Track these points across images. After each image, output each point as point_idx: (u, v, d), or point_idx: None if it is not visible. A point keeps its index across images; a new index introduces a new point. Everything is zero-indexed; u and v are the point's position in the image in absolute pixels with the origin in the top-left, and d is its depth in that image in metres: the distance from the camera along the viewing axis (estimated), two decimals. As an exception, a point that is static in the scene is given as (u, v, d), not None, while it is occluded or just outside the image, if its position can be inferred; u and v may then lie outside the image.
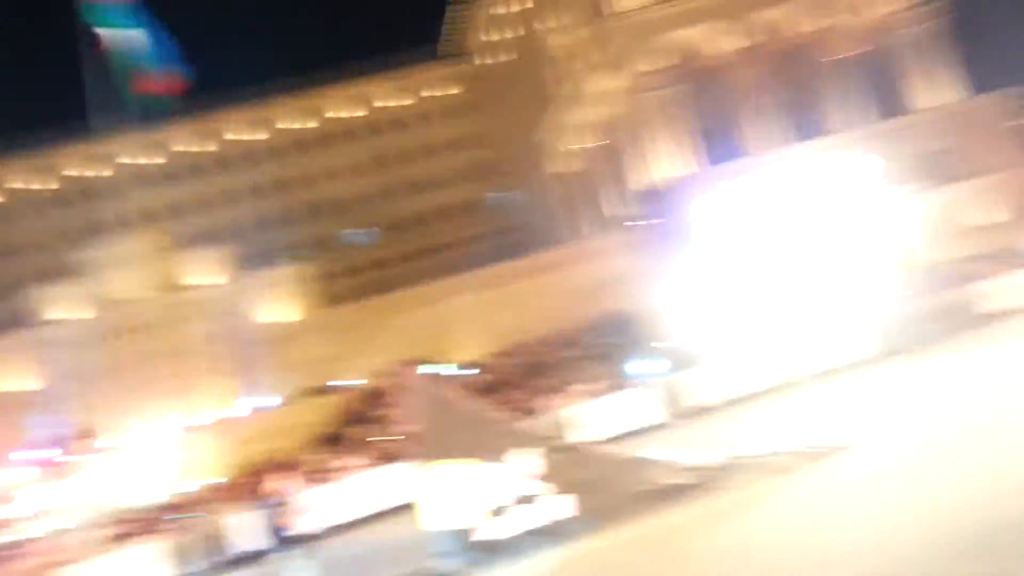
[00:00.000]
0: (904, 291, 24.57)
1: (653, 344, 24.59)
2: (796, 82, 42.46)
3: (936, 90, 40.92)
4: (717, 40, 40.87)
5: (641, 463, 11.93)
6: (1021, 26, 50.85)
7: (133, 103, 28.76)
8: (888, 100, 42.47)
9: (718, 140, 40.56)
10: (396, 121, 70.98)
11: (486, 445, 10.95)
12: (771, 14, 41.30)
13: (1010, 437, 9.71)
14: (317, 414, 27.56)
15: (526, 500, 10.66)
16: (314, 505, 17.93)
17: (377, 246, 67.90)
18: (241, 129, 68.23)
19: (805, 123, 41.25)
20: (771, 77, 41.18)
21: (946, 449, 10.28)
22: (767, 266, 25.26)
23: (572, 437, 16.86)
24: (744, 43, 40.42)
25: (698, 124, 39.96)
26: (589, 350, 27.71)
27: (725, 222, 26.71)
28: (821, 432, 12.84)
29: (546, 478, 10.74)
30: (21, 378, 33.41)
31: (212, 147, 67.34)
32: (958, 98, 40.64)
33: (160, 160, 66.10)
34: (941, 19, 41.35)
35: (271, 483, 12.42)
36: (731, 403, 20.42)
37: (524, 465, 10.78)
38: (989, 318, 23.00)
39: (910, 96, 41.52)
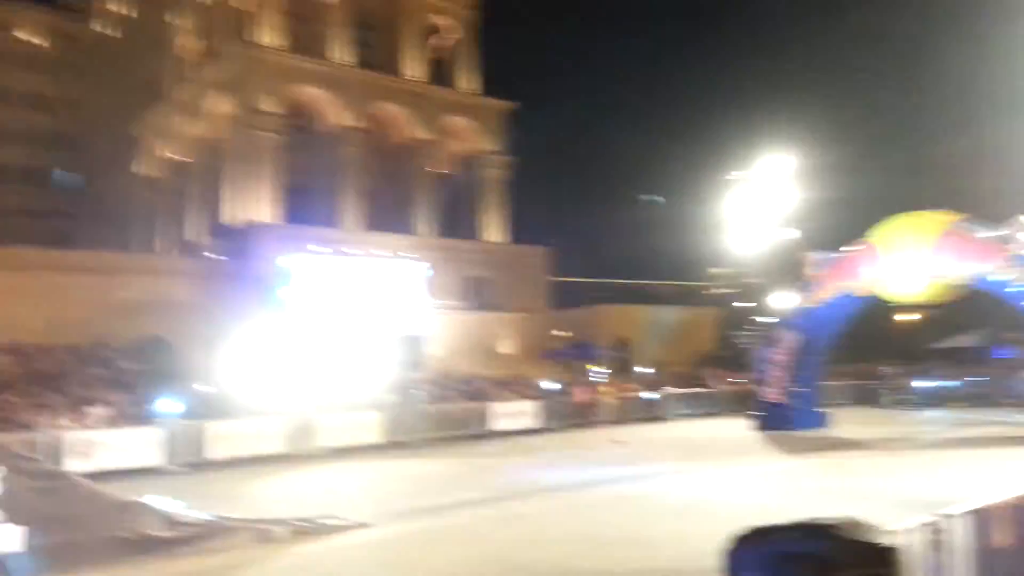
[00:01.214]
0: (419, 393, 27.06)
1: (185, 384, 23.48)
2: (386, 177, 45.75)
3: (494, 227, 47.39)
4: (333, 111, 42.47)
5: (127, 507, 11.14)
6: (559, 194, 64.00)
7: None
8: (454, 222, 47.90)
9: (303, 201, 41.46)
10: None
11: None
12: (386, 109, 44.38)
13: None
14: None
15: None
16: None
17: None
18: None
19: (383, 215, 44.26)
20: (366, 163, 43.79)
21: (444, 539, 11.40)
22: (313, 337, 26.15)
23: (56, 463, 15.21)
24: (355, 123, 42.69)
25: (290, 179, 40.57)
26: (113, 372, 25.45)
27: (290, 284, 27.01)
28: (323, 508, 13.28)
29: (4, 503, 9.48)
30: None
31: None
32: (508, 240, 47.48)
33: None
34: (511, 170, 48.50)
35: None
36: (242, 461, 20.18)
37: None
38: (491, 434, 26.30)
39: (471, 225, 47.38)
